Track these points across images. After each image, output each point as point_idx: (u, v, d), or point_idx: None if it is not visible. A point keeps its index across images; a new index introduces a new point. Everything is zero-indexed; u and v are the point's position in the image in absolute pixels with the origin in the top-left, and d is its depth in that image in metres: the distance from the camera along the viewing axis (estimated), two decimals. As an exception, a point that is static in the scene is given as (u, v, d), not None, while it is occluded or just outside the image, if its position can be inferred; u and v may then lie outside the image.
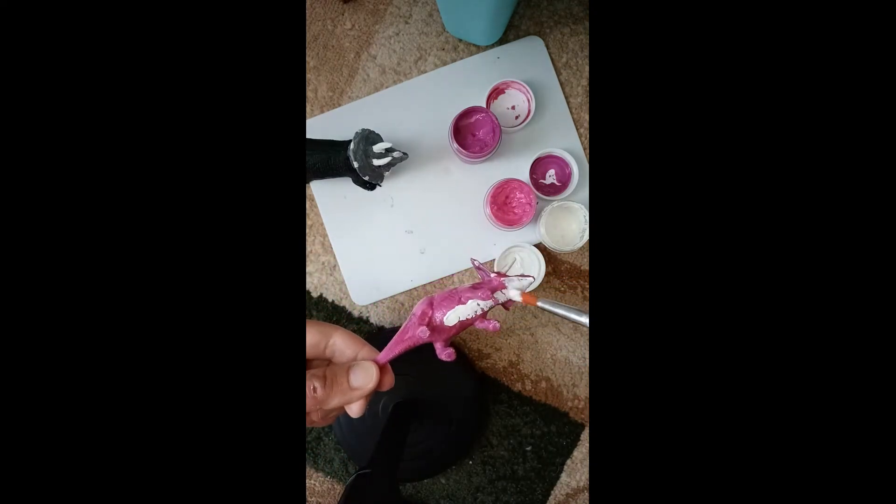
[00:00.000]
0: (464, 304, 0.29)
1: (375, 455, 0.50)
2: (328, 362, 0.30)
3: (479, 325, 0.30)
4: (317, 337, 0.29)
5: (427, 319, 0.29)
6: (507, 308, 0.31)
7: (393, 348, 0.29)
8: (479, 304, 0.29)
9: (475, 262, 0.32)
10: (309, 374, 0.26)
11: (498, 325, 0.30)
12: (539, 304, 0.30)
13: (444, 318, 0.29)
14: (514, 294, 0.30)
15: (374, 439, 0.58)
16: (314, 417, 0.29)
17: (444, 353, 0.30)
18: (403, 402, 0.59)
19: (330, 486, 0.64)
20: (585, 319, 0.28)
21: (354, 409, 0.28)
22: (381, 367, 0.28)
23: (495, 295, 0.30)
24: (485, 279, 0.31)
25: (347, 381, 0.27)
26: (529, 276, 0.31)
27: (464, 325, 0.29)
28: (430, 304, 0.29)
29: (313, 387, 0.26)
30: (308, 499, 0.64)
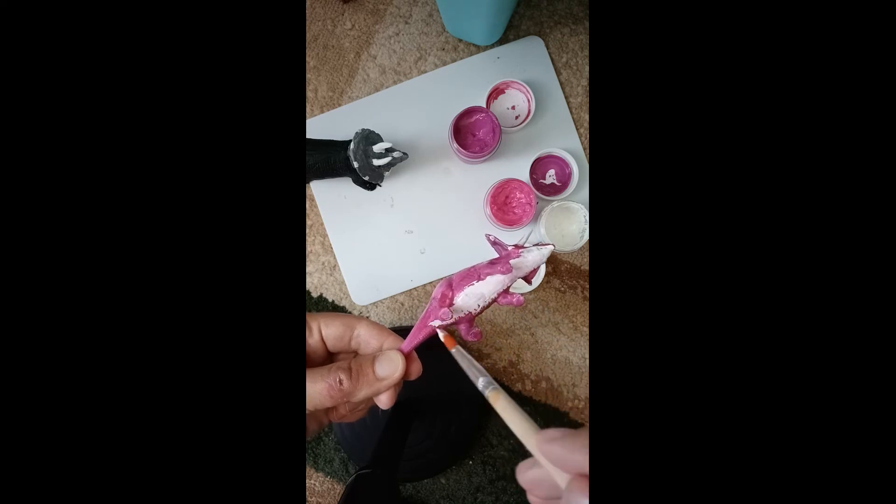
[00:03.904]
0: (483, 280, 0.28)
1: (375, 455, 0.50)
2: (354, 354, 0.29)
3: (501, 301, 0.28)
4: (341, 329, 0.28)
5: (448, 301, 0.28)
6: (528, 281, 0.30)
7: (416, 335, 0.28)
8: (500, 279, 0.28)
9: (490, 237, 0.30)
10: (334, 366, 0.26)
11: (522, 298, 0.28)
12: (453, 351, 0.28)
13: (465, 298, 0.28)
14: (531, 262, 0.28)
15: (374, 439, 0.58)
16: (342, 411, 0.29)
17: (471, 334, 0.28)
18: (403, 402, 0.59)
19: (330, 486, 0.64)
20: (480, 383, 0.27)
21: (384, 401, 0.28)
22: (407, 356, 0.28)
23: (514, 266, 0.28)
24: (501, 253, 0.29)
25: (373, 372, 0.26)
26: (549, 244, 0.29)
27: (487, 304, 0.28)
28: (450, 286, 0.28)
29: (339, 379, 0.25)
30: (308, 499, 0.64)
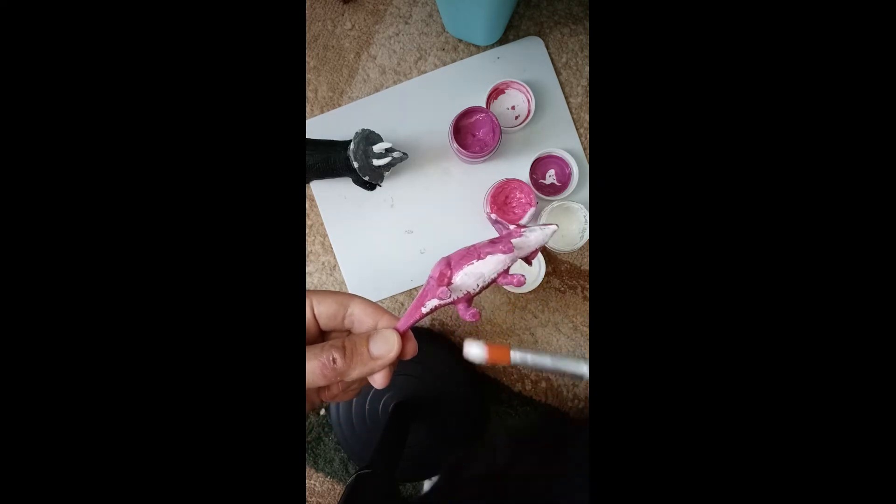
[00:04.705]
0: (483, 259, 0.27)
1: (375, 455, 0.50)
2: (347, 333, 0.29)
3: (501, 280, 0.28)
4: (334, 307, 0.27)
5: (447, 280, 0.27)
6: (528, 263, 0.29)
7: (413, 314, 0.27)
8: (500, 259, 0.27)
9: (491, 216, 0.30)
10: (328, 345, 0.25)
11: (524, 278, 0.28)
12: (512, 358, 0.26)
13: (464, 277, 0.27)
14: (533, 241, 0.28)
15: (374, 439, 0.58)
16: (334, 390, 0.28)
17: (468, 314, 0.28)
18: (403, 402, 0.59)
19: (330, 486, 0.64)
20: (585, 370, 0.24)
21: (378, 380, 0.27)
22: (403, 335, 0.27)
23: (516, 245, 0.27)
24: (502, 232, 0.29)
25: (368, 351, 0.26)
26: (552, 225, 0.29)
27: (486, 284, 0.28)
28: (448, 265, 0.27)
29: (332, 358, 0.25)
30: (308, 499, 0.64)
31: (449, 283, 0.27)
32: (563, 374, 0.24)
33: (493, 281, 0.28)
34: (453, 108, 0.59)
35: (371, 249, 0.63)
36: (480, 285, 0.28)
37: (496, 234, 0.29)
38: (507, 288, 0.29)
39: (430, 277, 0.28)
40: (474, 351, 0.27)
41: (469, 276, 0.27)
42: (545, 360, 0.25)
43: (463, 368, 0.61)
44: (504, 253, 0.27)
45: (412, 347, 0.27)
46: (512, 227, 0.29)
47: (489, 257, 0.27)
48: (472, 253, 0.27)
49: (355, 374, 0.26)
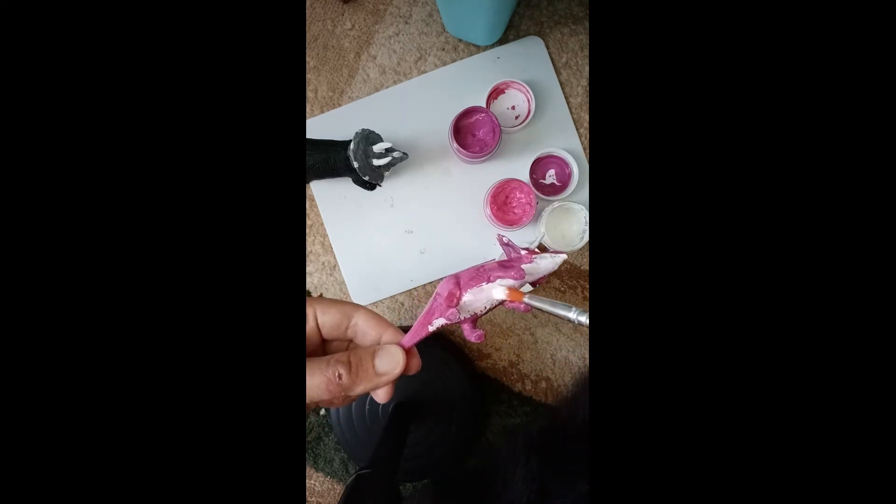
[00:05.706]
0: (493, 283, 0.27)
1: (375, 455, 0.50)
2: (349, 343, 0.29)
3: (508, 305, 0.28)
4: (338, 317, 0.27)
5: (456, 301, 0.27)
6: (534, 286, 0.29)
7: (419, 331, 0.27)
8: (509, 283, 0.27)
9: (503, 239, 0.30)
10: (333, 359, 0.25)
11: (530, 307, 0.28)
12: (525, 300, 0.27)
13: (473, 298, 0.27)
14: (543, 269, 0.28)
15: (374, 439, 0.58)
16: (334, 400, 0.28)
17: (474, 336, 0.28)
18: (403, 403, 0.59)
19: (330, 486, 0.64)
20: (573, 314, 0.25)
21: (381, 395, 0.27)
22: (408, 351, 0.27)
23: (526, 272, 0.27)
24: (513, 256, 0.28)
25: (373, 367, 0.26)
26: (562, 253, 0.29)
27: (493, 305, 0.28)
28: (458, 284, 0.27)
29: (338, 373, 0.25)
30: (308, 499, 0.64)
31: (457, 304, 0.27)
32: (555, 314, 0.26)
33: (501, 303, 0.28)
34: (453, 108, 0.59)
35: (371, 249, 0.63)
36: (488, 307, 0.28)
37: (492, 240, 0.29)
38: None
39: (438, 295, 0.27)
40: (543, 268, 0.28)
41: (478, 299, 0.27)
42: (544, 306, 0.26)
43: (463, 368, 0.61)
44: (515, 280, 0.27)
45: (416, 363, 0.27)
46: (523, 251, 0.29)
47: (499, 281, 0.27)
48: (482, 275, 0.27)
49: (360, 389, 0.26)
